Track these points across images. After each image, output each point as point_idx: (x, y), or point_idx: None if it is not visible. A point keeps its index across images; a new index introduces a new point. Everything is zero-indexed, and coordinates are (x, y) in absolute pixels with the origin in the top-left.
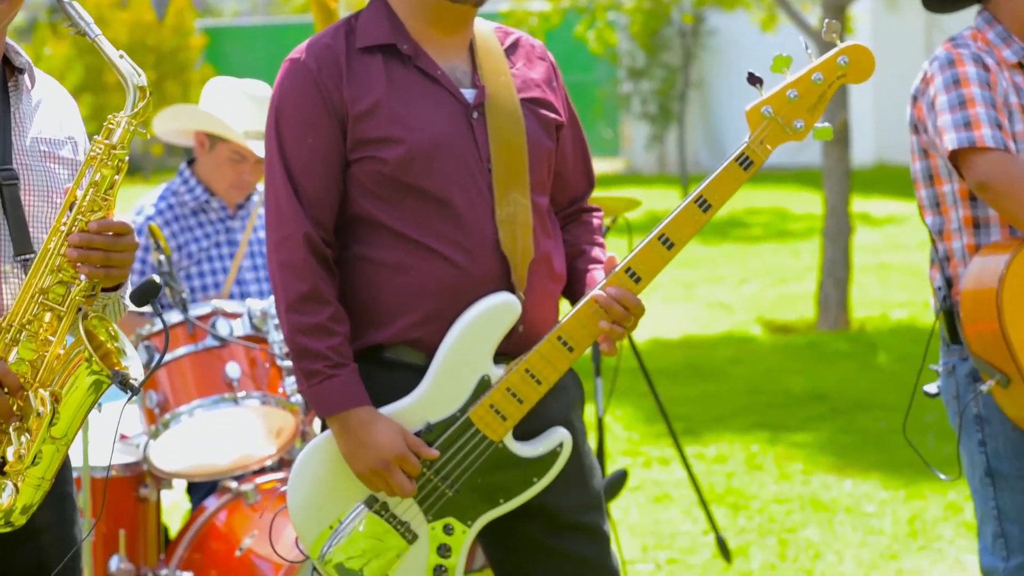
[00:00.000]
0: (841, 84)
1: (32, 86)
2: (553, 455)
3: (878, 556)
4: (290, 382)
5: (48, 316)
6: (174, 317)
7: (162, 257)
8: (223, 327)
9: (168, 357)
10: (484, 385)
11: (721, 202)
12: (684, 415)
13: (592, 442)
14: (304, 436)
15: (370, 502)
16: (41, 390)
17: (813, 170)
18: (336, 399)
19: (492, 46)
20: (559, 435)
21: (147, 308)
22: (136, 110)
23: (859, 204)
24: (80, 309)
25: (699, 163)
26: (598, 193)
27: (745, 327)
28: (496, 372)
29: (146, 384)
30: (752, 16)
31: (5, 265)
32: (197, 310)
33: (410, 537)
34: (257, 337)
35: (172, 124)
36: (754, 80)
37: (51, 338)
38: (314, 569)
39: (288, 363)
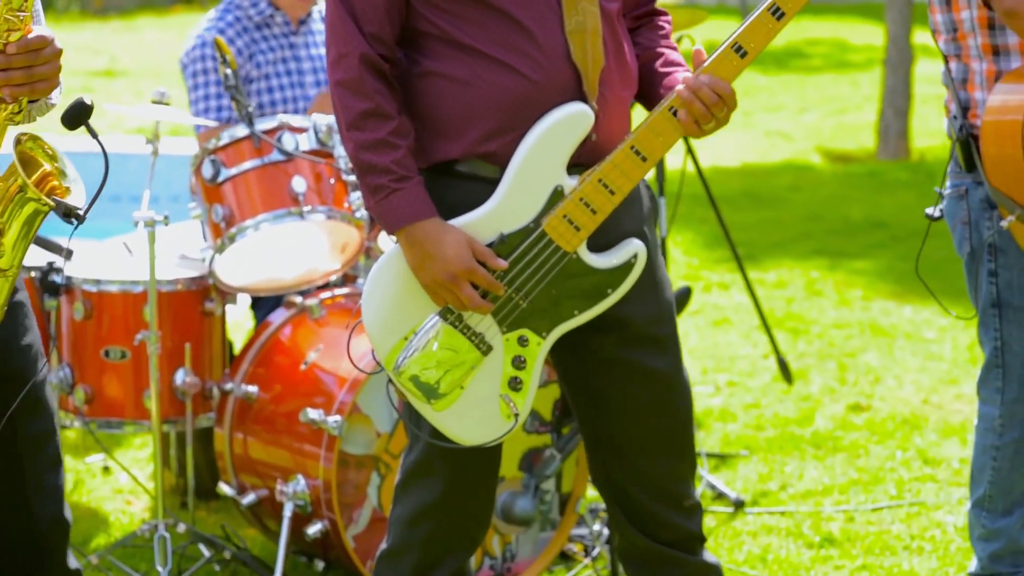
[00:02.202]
0: None
1: None
2: (627, 266)
3: (937, 381)
4: (355, 197)
5: None
6: (240, 131)
7: (228, 71)
8: (289, 141)
9: (234, 171)
10: (558, 195)
11: (795, 10)
12: (744, 241)
13: None
14: (369, 252)
15: (444, 314)
16: None
17: (873, 3)
18: (403, 212)
19: None
20: (633, 246)
21: (214, 122)
22: None
23: (920, 36)
24: (10, 131)
25: None
26: None
27: (805, 155)
28: (569, 182)
29: (211, 198)
30: None
31: None
32: (263, 124)
33: (484, 348)
34: (323, 152)
35: None
36: None
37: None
38: (389, 381)
39: (354, 178)
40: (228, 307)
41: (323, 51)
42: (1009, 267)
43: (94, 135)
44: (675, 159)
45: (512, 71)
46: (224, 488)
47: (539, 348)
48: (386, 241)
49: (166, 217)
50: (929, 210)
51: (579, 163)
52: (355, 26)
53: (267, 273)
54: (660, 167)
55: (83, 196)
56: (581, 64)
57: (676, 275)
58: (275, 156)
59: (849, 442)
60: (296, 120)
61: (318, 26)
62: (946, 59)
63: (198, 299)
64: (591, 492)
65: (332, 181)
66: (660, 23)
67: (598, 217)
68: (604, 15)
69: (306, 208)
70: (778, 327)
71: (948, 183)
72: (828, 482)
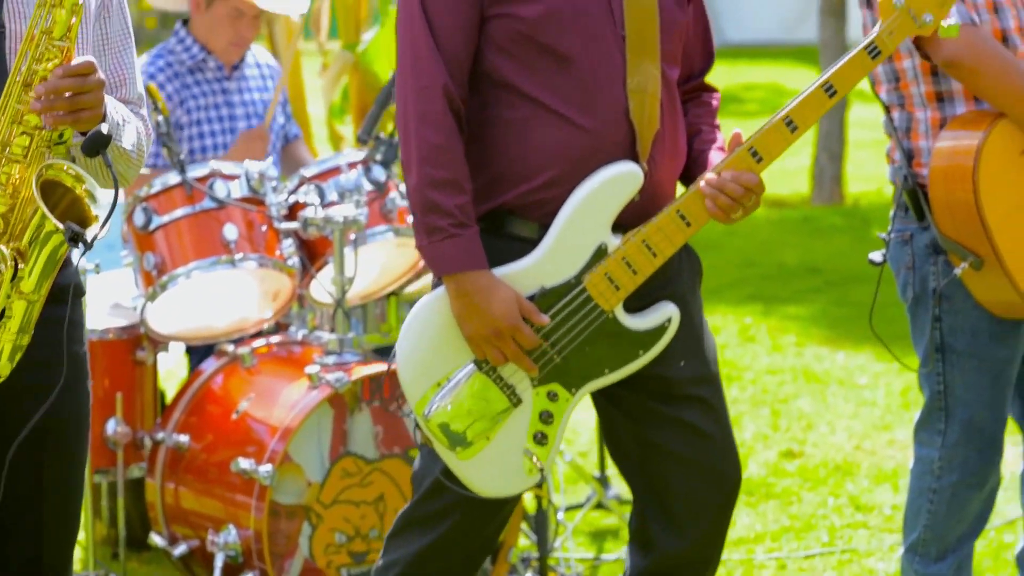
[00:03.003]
0: None
1: None
2: (661, 329)
3: (870, 427)
4: (287, 244)
5: (16, 168)
6: (172, 178)
7: (160, 118)
8: (221, 188)
9: (165, 218)
10: (601, 253)
11: (847, 89)
12: None
13: None
14: (301, 300)
15: (480, 363)
16: (2, 247)
17: (809, 46)
18: (457, 259)
19: None
20: (668, 310)
21: (145, 170)
22: None
23: None
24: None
25: None
26: None
27: None
28: (613, 241)
29: (143, 246)
30: None
31: None
32: (195, 171)
33: (515, 400)
34: (255, 199)
35: None
36: None
37: (21, 190)
38: (416, 426)
39: (285, 225)
40: (160, 355)
41: (256, 96)
42: (954, 312)
43: (108, 164)
44: None
45: (570, 123)
46: (156, 539)
47: (568, 404)
48: (319, 290)
49: (97, 265)
50: (874, 255)
51: (620, 223)
52: (440, 59)
53: (199, 321)
54: None
55: (108, 222)
56: (638, 123)
57: None
58: (207, 203)
59: (781, 489)
60: (228, 167)
61: (251, 71)
62: (888, 109)
63: (130, 348)
64: (523, 541)
65: (264, 228)
66: (707, 99)
67: (638, 278)
68: (665, 80)
69: (238, 256)
70: None
71: (892, 228)
72: (760, 529)
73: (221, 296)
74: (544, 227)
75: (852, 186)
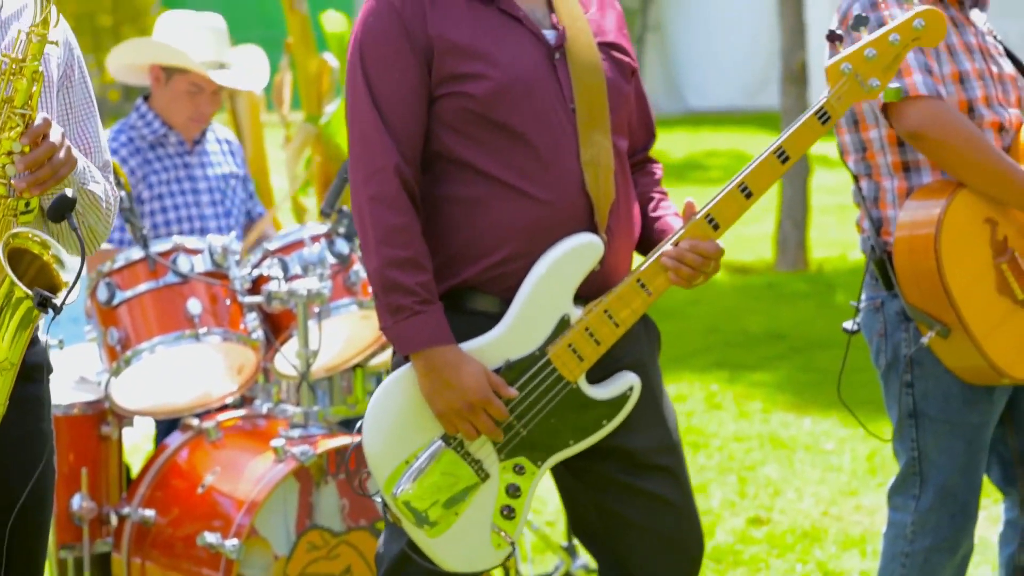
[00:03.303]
0: (915, 46)
1: (2, 4)
2: (623, 398)
3: (837, 493)
4: (251, 318)
5: None
6: (135, 254)
7: (122, 194)
8: (184, 263)
9: (129, 293)
10: (564, 324)
11: (799, 154)
12: None
13: None
14: (266, 373)
15: (448, 439)
16: None
17: (771, 113)
18: (423, 336)
19: None
20: (629, 379)
21: (108, 245)
22: (41, 18)
23: (817, 145)
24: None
25: (658, 107)
26: None
27: None
28: (576, 312)
29: (107, 321)
30: None
31: None
32: (158, 246)
33: (483, 475)
34: (218, 273)
35: (127, 59)
36: (834, 37)
37: None
38: (384, 505)
39: (249, 299)
40: (125, 430)
41: (218, 171)
42: (925, 378)
43: (74, 227)
44: None
45: (527, 196)
46: None
47: (534, 477)
48: (283, 363)
49: (60, 341)
50: (846, 324)
51: (580, 294)
52: (390, 141)
53: (164, 396)
54: None
55: (78, 286)
56: (594, 195)
57: None
58: (170, 278)
59: (749, 556)
60: (191, 241)
61: (212, 146)
62: (856, 178)
63: (95, 423)
64: None
65: (228, 302)
66: (652, 169)
67: (601, 348)
68: (616, 151)
69: (202, 330)
70: None
71: (863, 296)
72: None
73: (186, 370)
74: (506, 301)
75: (816, 252)
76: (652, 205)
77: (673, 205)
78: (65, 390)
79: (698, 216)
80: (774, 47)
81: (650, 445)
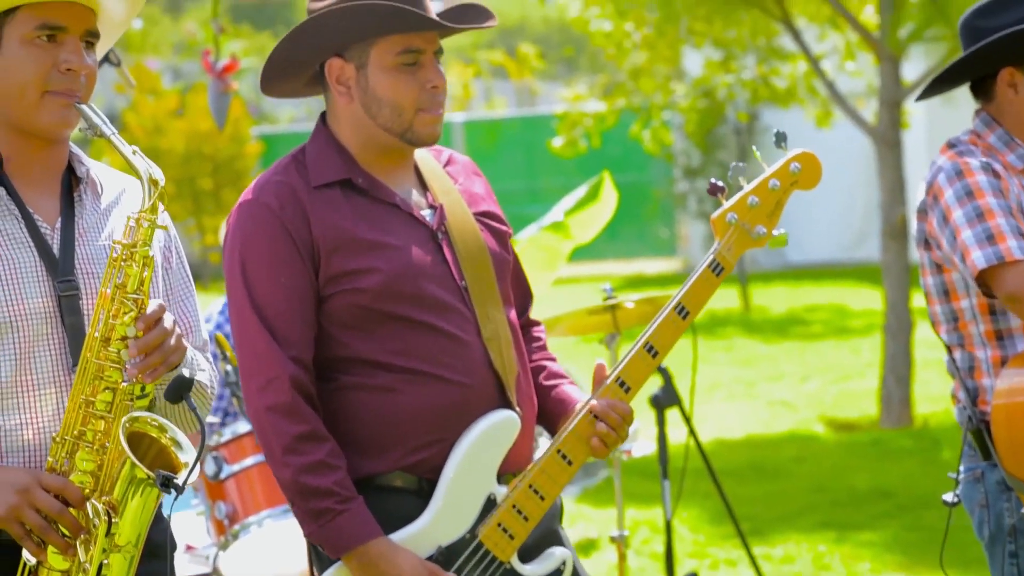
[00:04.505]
0: (794, 190)
1: (102, 192)
2: (556, 574)
3: None
4: None
5: (102, 424)
6: (241, 427)
7: (228, 367)
8: None
9: (236, 467)
10: (491, 504)
11: (699, 308)
12: (750, 515)
13: (660, 545)
14: None
15: None
16: (95, 501)
17: (871, 265)
18: (352, 534)
19: (433, 165)
20: (560, 554)
21: (213, 418)
22: (150, 204)
23: (919, 299)
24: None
25: (756, 261)
26: (656, 293)
27: (808, 425)
28: (501, 491)
29: (214, 495)
30: (807, 112)
31: (63, 375)
32: None
33: None
34: None
35: None
36: (716, 189)
37: (107, 444)
38: None
39: None
40: None
41: None
42: None
43: (192, 408)
44: (678, 433)
45: (438, 380)
46: None
47: None
48: None
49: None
50: (946, 496)
51: (499, 470)
52: (280, 350)
53: (273, 568)
54: (663, 445)
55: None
56: (501, 370)
57: (683, 552)
58: None
59: None
60: None
61: None
62: (949, 349)
63: None
64: None
65: None
66: (536, 334)
67: (530, 524)
68: (510, 324)
69: None
70: None
71: (963, 467)
72: None
73: (294, 543)
74: (426, 480)
75: (920, 407)
76: (544, 374)
77: (563, 371)
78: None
79: (608, 381)
80: (871, 201)
81: None
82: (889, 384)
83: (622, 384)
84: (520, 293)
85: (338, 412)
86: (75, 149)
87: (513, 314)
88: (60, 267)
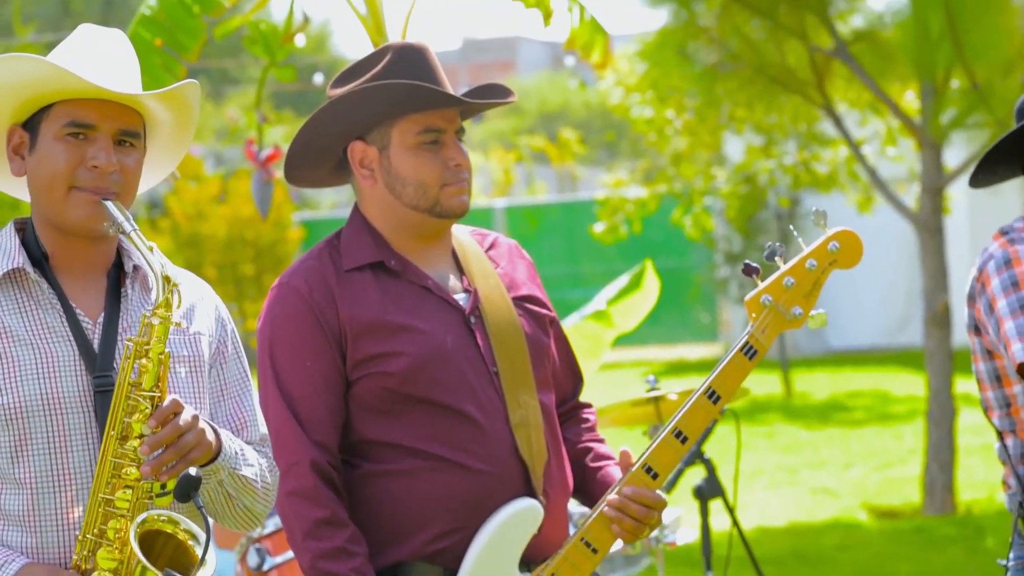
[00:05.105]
0: (833, 269)
1: (152, 286)
2: None
3: None
4: None
5: (123, 523)
6: None
7: None
8: None
9: (279, 559)
10: None
11: (730, 392)
12: None
13: None
14: None
15: None
16: None
17: (914, 351)
18: None
19: (474, 249)
20: None
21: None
22: (161, 300)
23: (962, 385)
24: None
25: (798, 346)
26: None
27: (851, 512)
28: None
29: None
30: (849, 198)
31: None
32: None
33: None
34: None
35: None
36: (750, 270)
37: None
38: None
39: None
40: None
41: None
42: None
43: (199, 507)
44: (721, 521)
45: (459, 467)
46: None
47: None
48: None
49: None
50: None
51: (522, 559)
52: (303, 435)
53: None
54: (706, 536)
55: (212, 555)
56: (527, 458)
57: None
58: None
59: None
60: None
61: None
62: (1001, 435)
63: None
64: None
65: None
66: (584, 415)
67: None
68: (543, 408)
69: None
70: None
71: (1012, 554)
72: None
73: None
74: (448, 571)
75: (964, 494)
76: (590, 456)
77: (611, 452)
78: None
79: (635, 467)
80: (913, 285)
81: None
82: (932, 471)
83: (649, 470)
84: (568, 375)
85: (361, 499)
86: (126, 244)
87: (550, 398)
88: (99, 362)
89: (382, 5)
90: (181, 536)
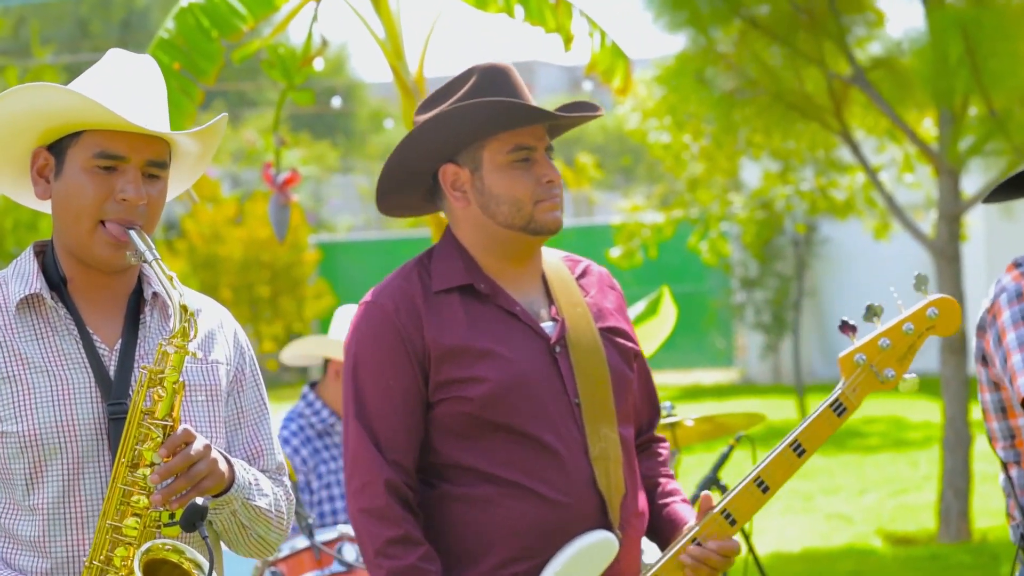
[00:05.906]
0: (930, 335)
1: (171, 314)
2: None
3: None
4: None
5: (131, 551)
6: (300, 543)
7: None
8: (349, 552)
9: None
10: None
11: (815, 447)
12: None
13: None
14: None
15: None
16: None
17: (929, 377)
18: None
19: (564, 276)
20: None
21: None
22: (177, 329)
23: (978, 412)
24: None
25: (814, 372)
26: (716, 406)
27: (866, 539)
28: None
29: None
30: (865, 224)
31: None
32: (323, 535)
33: None
34: None
35: (302, 350)
36: (847, 328)
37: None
38: None
39: None
40: None
41: None
42: None
43: (204, 537)
44: None
45: (536, 496)
46: None
47: None
48: None
49: None
50: None
51: None
52: (379, 454)
53: None
54: None
55: None
56: (605, 491)
57: None
58: (336, 567)
59: None
60: None
61: None
62: (1005, 466)
63: None
64: None
65: None
66: (658, 450)
67: None
68: (623, 443)
69: None
70: None
71: None
72: None
73: None
74: None
75: (979, 521)
76: (659, 491)
77: (679, 488)
78: None
79: (715, 511)
80: None
81: None
82: (947, 498)
83: (727, 516)
84: (646, 408)
85: (436, 519)
86: (146, 271)
87: (630, 432)
88: (114, 389)
89: (401, 29)
90: (186, 565)
